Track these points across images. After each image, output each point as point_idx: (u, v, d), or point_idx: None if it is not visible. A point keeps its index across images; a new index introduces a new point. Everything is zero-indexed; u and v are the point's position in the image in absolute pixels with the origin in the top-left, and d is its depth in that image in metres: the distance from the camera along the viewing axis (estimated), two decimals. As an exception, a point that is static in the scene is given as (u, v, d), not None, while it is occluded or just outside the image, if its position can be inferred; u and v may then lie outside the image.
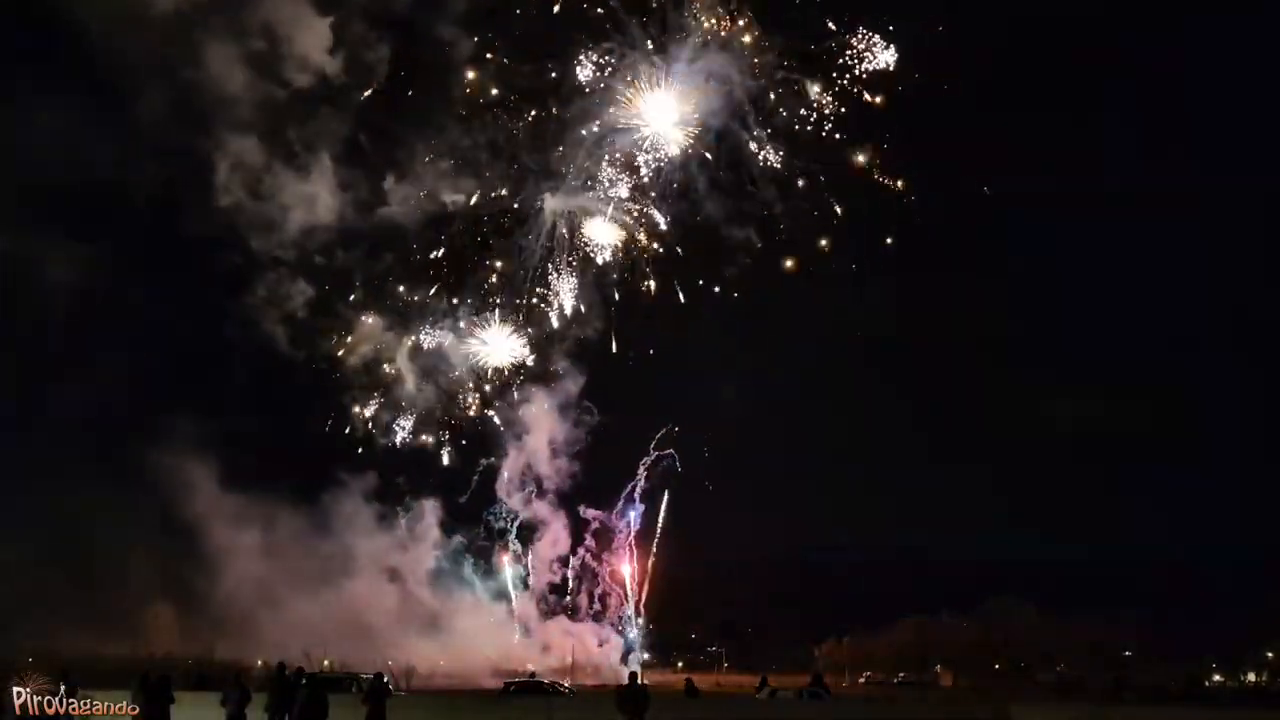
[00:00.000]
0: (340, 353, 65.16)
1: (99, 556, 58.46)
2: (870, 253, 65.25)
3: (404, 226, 63.40)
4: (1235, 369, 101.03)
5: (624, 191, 63.05)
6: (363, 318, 65.66)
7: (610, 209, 63.29)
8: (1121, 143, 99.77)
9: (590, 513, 70.38)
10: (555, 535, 70.06)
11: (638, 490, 70.05)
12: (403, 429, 66.25)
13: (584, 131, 61.11)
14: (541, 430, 67.84)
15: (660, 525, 70.17)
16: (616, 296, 64.69)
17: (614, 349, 65.60)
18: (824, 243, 63.42)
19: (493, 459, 68.46)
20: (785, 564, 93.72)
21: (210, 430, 60.36)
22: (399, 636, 62.63)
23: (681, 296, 64.31)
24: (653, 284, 64.07)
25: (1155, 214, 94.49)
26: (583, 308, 64.94)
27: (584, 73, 59.82)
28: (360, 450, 65.90)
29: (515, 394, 67.32)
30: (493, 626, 67.96)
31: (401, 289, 65.75)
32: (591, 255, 64.33)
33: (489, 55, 61.02)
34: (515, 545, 69.96)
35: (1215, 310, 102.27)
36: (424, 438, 66.86)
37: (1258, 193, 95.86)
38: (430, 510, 67.16)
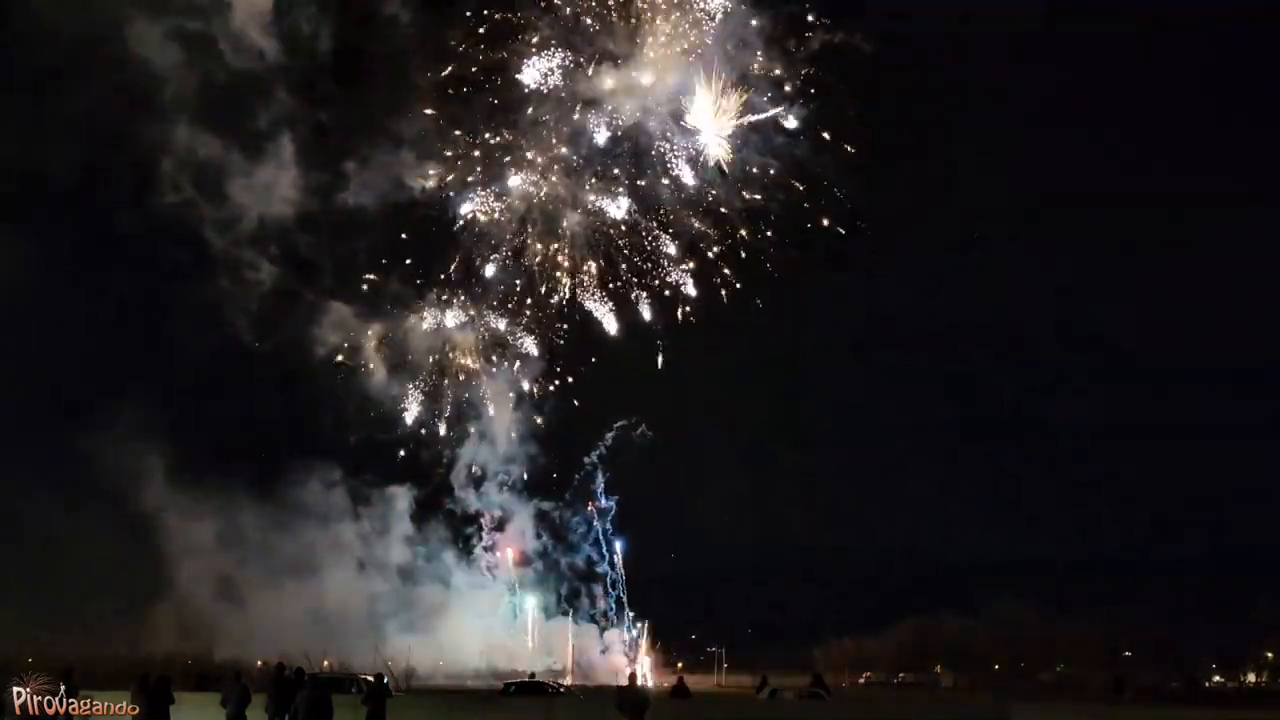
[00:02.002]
0: (306, 342, 63.23)
1: (49, 550, 57.61)
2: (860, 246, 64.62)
3: (369, 212, 61.65)
4: (1235, 367, 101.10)
5: (589, 176, 62.14)
6: (329, 306, 63.49)
7: (576, 193, 62.52)
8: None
9: (547, 505, 69.22)
10: (520, 527, 68.91)
11: (599, 481, 69.17)
12: (369, 418, 64.58)
13: (544, 109, 60.14)
14: (503, 419, 66.56)
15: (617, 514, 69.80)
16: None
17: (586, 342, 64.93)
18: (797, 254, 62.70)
19: (457, 449, 67.02)
20: (785, 564, 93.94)
21: (168, 422, 59.51)
22: (378, 634, 61.52)
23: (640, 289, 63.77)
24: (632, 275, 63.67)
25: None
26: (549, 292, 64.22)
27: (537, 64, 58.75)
28: (326, 440, 64.84)
29: (479, 381, 66.10)
30: (475, 623, 66.35)
31: (369, 276, 64.09)
32: (562, 235, 63.53)
33: (440, 32, 59.43)
34: (487, 539, 68.73)
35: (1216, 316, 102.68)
36: (390, 426, 65.24)
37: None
38: (401, 499, 65.66)
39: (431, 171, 61.89)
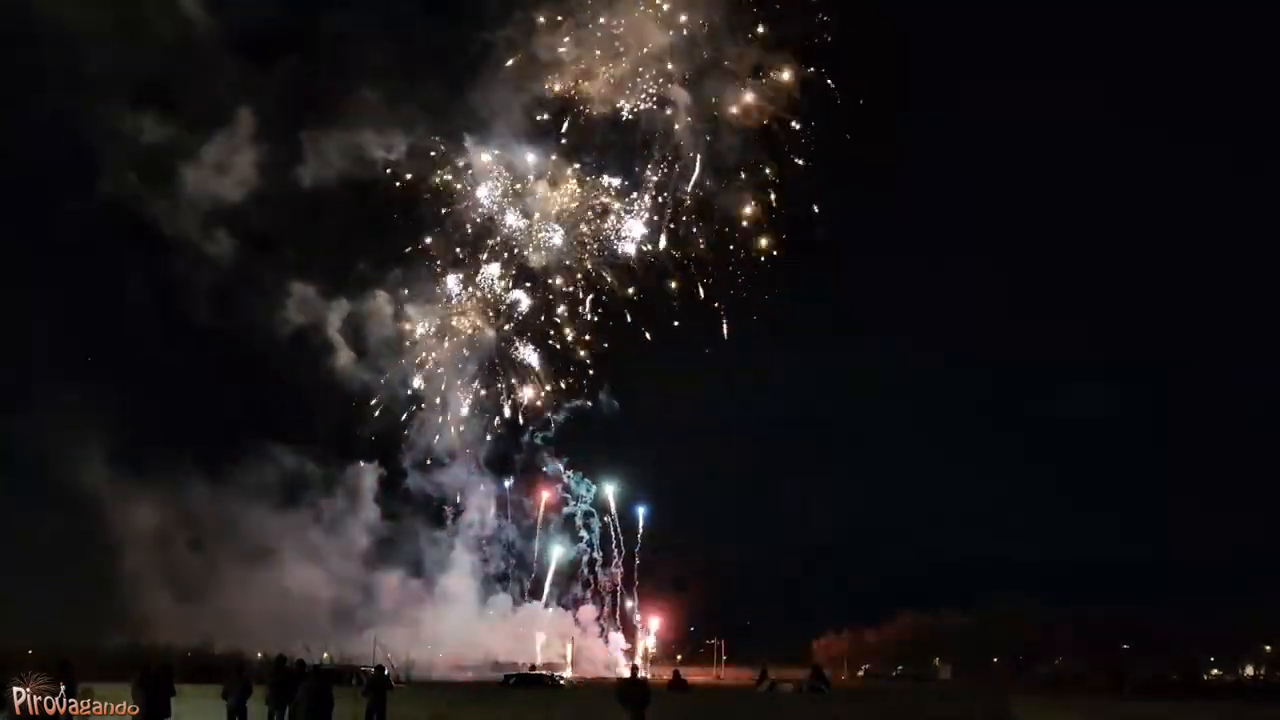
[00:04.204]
0: (267, 321, 62.85)
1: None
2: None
3: (330, 187, 60.82)
4: (1226, 363, 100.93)
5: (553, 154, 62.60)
6: (291, 284, 62.85)
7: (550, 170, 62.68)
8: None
9: (508, 485, 69.10)
10: (481, 511, 68.53)
11: (552, 463, 68.74)
12: (333, 397, 64.36)
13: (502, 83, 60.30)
14: (461, 401, 66.36)
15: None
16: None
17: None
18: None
19: (417, 427, 66.68)
20: (784, 558, 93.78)
21: (118, 405, 58.35)
22: (352, 623, 61.30)
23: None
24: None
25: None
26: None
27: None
28: (289, 419, 64.81)
29: (443, 359, 65.93)
30: (451, 611, 65.35)
31: (332, 254, 63.54)
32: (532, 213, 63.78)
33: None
34: (451, 525, 68.02)
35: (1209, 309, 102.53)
36: (354, 405, 65.22)
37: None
38: (368, 476, 65.19)
39: (392, 145, 61.27)
